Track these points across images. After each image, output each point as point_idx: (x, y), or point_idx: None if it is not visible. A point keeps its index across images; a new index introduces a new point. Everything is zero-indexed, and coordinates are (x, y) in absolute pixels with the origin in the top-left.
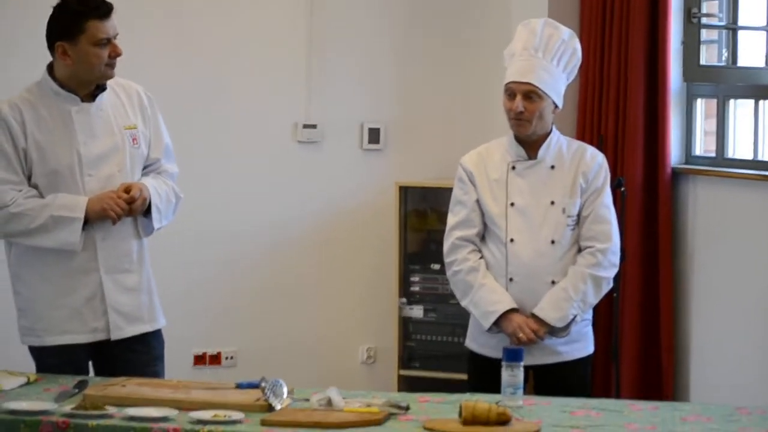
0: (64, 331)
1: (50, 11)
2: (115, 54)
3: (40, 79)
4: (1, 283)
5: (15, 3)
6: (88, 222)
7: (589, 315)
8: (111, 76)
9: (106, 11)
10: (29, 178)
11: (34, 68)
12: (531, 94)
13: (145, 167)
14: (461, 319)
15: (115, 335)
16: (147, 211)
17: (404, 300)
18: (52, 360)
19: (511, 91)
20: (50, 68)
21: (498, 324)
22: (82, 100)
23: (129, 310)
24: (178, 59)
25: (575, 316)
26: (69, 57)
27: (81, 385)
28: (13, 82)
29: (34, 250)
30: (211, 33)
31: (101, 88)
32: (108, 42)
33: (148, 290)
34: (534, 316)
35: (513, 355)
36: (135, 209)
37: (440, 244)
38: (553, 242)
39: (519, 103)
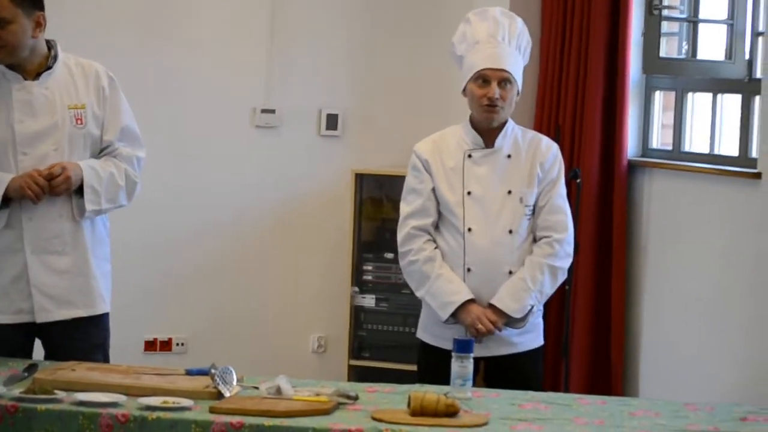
0: None
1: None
2: None
3: None
4: None
5: None
6: (11, 200)
7: (541, 306)
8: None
9: None
10: None
11: None
12: (505, 80)
13: (101, 150)
14: (413, 309)
15: (41, 317)
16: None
17: (356, 289)
18: None
19: (485, 78)
20: None
21: (455, 315)
22: (26, 78)
23: (58, 293)
24: (138, 41)
25: (533, 307)
26: None
27: (31, 369)
28: None
29: None
30: (172, 17)
31: (47, 67)
32: None
33: (83, 273)
34: (492, 307)
35: (463, 346)
36: (56, 187)
37: (394, 233)
38: (510, 232)
39: (495, 90)
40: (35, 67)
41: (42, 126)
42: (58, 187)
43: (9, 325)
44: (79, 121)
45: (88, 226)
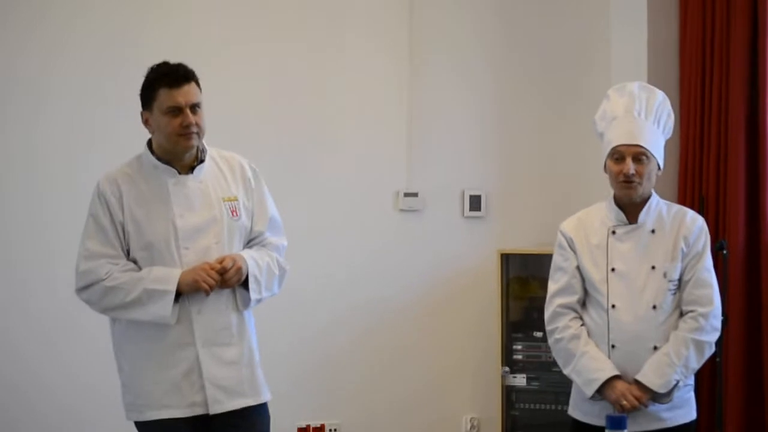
0: (163, 406)
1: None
2: (185, 123)
3: (141, 153)
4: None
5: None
6: (182, 294)
7: (691, 380)
8: (187, 147)
9: (176, 79)
10: (128, 252)
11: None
12: (640, 156)
13: (249, 240)
14: (564, 387)
15: (214, 409)
16: (246, 283)
17: (507, 369)
18: None
19: (619, 155)
20: (150, 142)
21: (601, 391)
22: (180, 173)
23: (229, 384)
24: (282, 130)
25: (678, 382)
26: (150, 125)
27: None
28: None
29: (134, 324)
30: (314, 104)
31: (200, 160)
32: (179, 111)
33: (249, 363)
34: (637, 383)
35: (616, 423)
36: (228, 280)
37: (542, 311)
38: (654, 307)
39: (630, 165)
40: (190, 160)
41: (202, 220)
42: (231, 280)
43: (182, 419)
44: (234, 214)
45: (248, 316)
